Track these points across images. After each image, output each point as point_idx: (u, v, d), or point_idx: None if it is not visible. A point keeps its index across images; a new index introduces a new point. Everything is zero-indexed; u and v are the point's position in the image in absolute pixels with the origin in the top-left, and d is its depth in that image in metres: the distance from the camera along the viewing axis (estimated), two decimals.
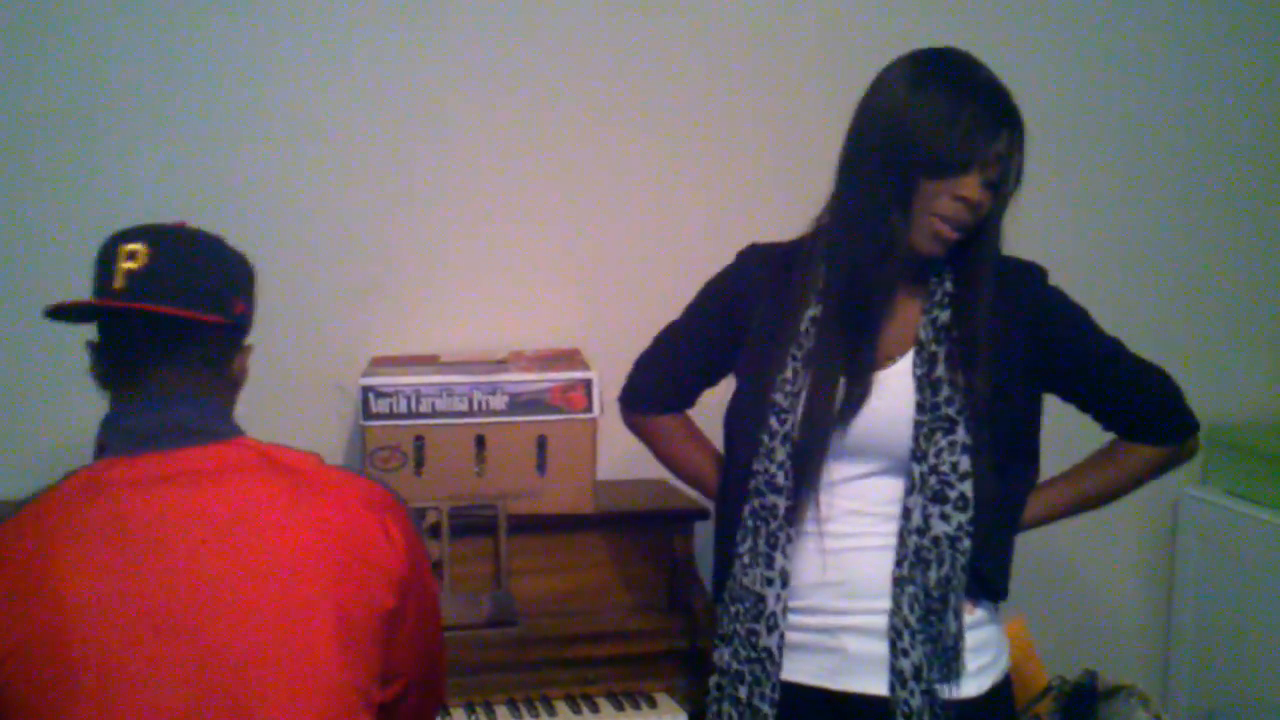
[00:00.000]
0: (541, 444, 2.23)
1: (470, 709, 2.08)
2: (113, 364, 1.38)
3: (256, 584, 1.27)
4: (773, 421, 1.66)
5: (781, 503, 1.66)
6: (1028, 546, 2.62)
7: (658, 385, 1.90)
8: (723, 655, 1.73)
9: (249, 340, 1.45)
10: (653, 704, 2.12)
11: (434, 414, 2.20)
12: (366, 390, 2.19)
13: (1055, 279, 1.75)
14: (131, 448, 1.32)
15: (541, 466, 2.23)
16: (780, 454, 1.66)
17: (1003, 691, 1.73)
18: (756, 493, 1.68)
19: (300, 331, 2.39)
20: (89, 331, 1.40)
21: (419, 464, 2.21)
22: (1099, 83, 2.69)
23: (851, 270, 1.65)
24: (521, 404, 2.22)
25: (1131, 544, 2.82)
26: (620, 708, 2.10)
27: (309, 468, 1.37)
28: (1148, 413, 1.75)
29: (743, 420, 1.72)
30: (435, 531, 2.14)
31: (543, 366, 2.27)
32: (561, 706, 2.10)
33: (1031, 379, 1.69)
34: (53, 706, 1.21)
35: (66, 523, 1.27)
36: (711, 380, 1.87)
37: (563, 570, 2.21)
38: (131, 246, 1.35)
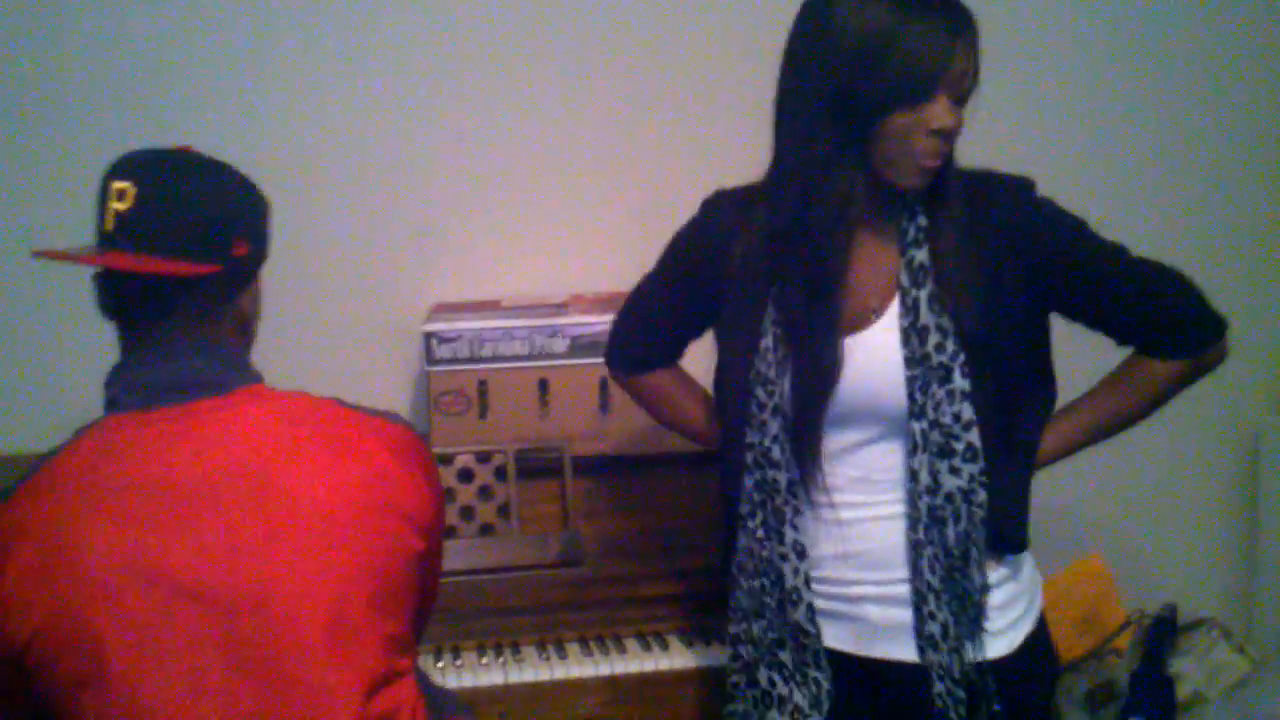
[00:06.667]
0: (604, 386, 2.23)
1: (541, 647, 2.09)
2: (114, 304, 1.31)
3: (286, 543, 1.21)
4: (760, 393, 1.59)
5: (782, 477, 1.59)
6: (1106, 480, 2.59)
7: (642, 343, 1.82)
8: (751, 630, 1.67)
9: (260, 274, 1.36)
10: (724, 640, 2.12)
11: (496, 358, 2.22)
12: (429, 336, 2.21)
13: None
14: (144, 402, 1.25)
15: (604, 408, 2.24)
16: (773, 427, 1.58)
17: (1039, 639, 1.66)
18: (756, 465, 1.62)
19: (363, 279, 2.42)
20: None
21: (483, 408, 2.22)
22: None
23: (803, 232, 1.52)
24: (583, 346, 2.22)
25: (1212, 475, 2.77)
26: (690, 644, 2.10)
27: (329, 414, 1.30)
28: (1165, 321, 1.57)
29: (730, 389, 1.65)
30: (502, 474, 2.16)
31: (603, 309, 2.27)
32: (632, 644, 2.11)
33: (1033, 301, 1.56)
34: (83, 687, 1.15)
35: (84, 488, 1.20)
36: (696, 331, 1.78)
37: (628, 510, 2.21)
38: (120, 185, 1.27)
